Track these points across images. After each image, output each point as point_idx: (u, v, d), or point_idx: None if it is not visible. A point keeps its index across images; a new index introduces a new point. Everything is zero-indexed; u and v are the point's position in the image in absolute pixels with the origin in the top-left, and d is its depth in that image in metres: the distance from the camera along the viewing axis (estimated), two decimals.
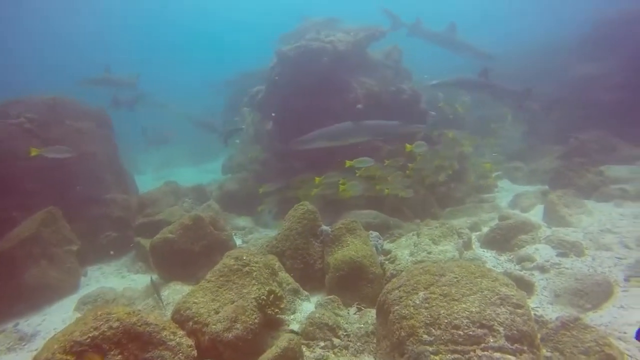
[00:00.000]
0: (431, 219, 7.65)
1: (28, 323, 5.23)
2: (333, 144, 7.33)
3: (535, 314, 4.00)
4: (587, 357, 3.30)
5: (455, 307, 3.36)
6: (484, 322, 3.24)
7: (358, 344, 3.97)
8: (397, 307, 3.62)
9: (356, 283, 4.87)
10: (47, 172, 7.04)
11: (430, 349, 3.19)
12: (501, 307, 3.36)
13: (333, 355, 3.82)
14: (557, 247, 5.75)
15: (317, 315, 4.21)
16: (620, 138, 10.05)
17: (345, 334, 4.11)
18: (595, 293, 4.48)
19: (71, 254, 6.42)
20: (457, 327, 3.23)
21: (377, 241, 5.91)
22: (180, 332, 3.45)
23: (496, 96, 10.18)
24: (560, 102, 12.10)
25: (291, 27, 13.34)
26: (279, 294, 4.17)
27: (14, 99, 7.86)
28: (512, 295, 3.48)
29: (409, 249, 5.60)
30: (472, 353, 3.11)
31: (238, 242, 7.39)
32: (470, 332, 3.19)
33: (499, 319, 3.25)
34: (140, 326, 3.14)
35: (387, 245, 6.05)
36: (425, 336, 3.25)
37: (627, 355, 3.35)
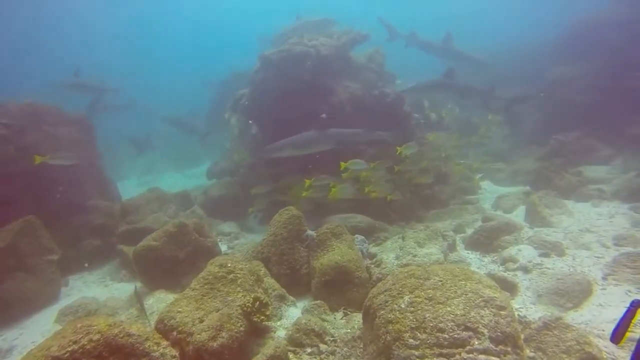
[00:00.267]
0: (416, 221, 7.71)
1: (3, 338, 5.05)
2: (299, 152, 7.47)
3: (518, 315, 4.07)
4: (569, 356, 3.37)
5: (440, 311, 3.39)
6: (468, 324, 3.27)
7: (345, 349, 3.97)
8: (383, 312, 3.63)
9: (342, 287, 4.87)
10: (22, 179, 6.85)
11: (417, 352, 3.20)
12: (485, 309, 3.40)
13: None
14: (539, 247, 5.86)
15: (303, 321, 4.19)
16: (597, 139, 10.31)
17: (332, 339, 4.10)
18: (576, 292, 4.58)
19: (51, 263, 6.25)
20: (442, 331, 3.26)
21: (363, 245, 5.93)
22: (164, 343, 3.38)
23: (463, 95, 10.36)
24: (538, 103, 12.37)
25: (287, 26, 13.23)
26: (264, 301, 4.14)
27: None
28: (496, 297, 3.52)
29: (394, 252, 5.63)
30: (457, 356, 3.14)
31: (224, 248, 7.31)
32: (456, 335, 3.22)
33: (483, 321, 3.29)
34: (122, 337, 3.07)
35: (373, 249, 6.07)
36: (411, 340, 3.27)
37: (605, 352, 3.42)
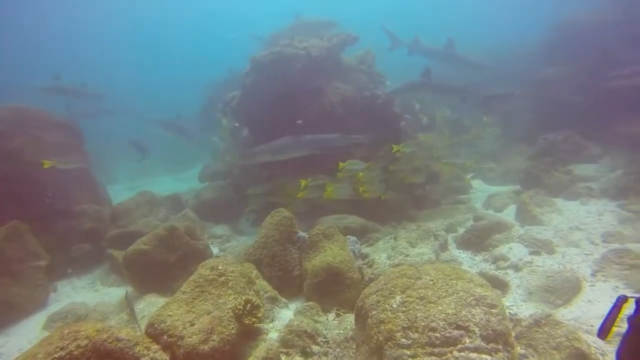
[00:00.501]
0: (408, 221, 7.73)
1: None
2: (275, 158, 7.55)
3: (509, 313, 4.09)
4: (558, 352, 3.40)
5: (431, 310, 3.40)
6: (460, 323, 3.28)
7: (337, 350, 3.95)
8: (374, 312, 3.62)
9: (334, 288, 4.86)
10: (7, 183, 6.74)
11: (408, 352, 3.20)
12: (476, 307, 3.41)
13: None
14: (529, 245, 5.91)
15: (295, 322, 4.17)
16: (585, 138, 10.45)
17: (324, 340, 4.09)
18: (565, 289, 4.63)
19: (39, 269, 6.15)
20: (434, 330, 3.26)
21: (355, 246, 5.93)
22: (155, 347, 3.34)
23: (443, 94, 10.44)
24: (528, 104, 12.51)
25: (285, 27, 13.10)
26: (256, 303, 4.12)
27: None
28: (487, 295, 3.54)
29: (386, 253, 5.64)
30: (449, 354, 3.14)
31: (215, 250, 7.26)
32: (447, 334, 3.23)
33: (474, 320, 3.30)
34: (111, 343, 3.03)
35: (365, 249, 6.08)
36: (403, 340, 3.27)
37: (594, 347, 3.46)
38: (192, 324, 3.67)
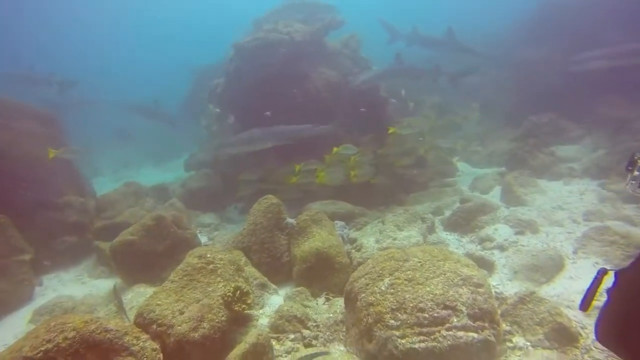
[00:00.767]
0: (396, 205, 7.79)
1: None
2: (246, 149, 7.71)
3: (495, 291, 4.19)
4: (542, 327, 3.50)
5: (420, 291, 3.46)
6: (447, 303, 3.35)
7: (327, 333, 4.00)
8: (363, 295, 3.67)
9: (323, 273, 4.89)
10: None
11: (397, 333, 3.26)
12: (463, 287, 3.48)
13: (303, 347, 3.83)
14: (514, 226, 6.02)
15: (285, 308, 4.20)
16: (567, 119, 10.61)
17: (314, 324, 4.13)
18: (549, 267, 4.74)
19: (23, 263, 6.03)
20: (422, 310, 3.33)
21: (343, 230, 5.97)
22: (144, 336, 3.33)
23: (415, 77, 10.45)
24: (510, 85, 12.62)
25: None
26: (245, 290, 4.12)
27: None
28: (473, 275, 3.61)
29: (374, 237, 5.69)
30: (437, 334, 3.22)
31: (203, 239, 7.22)
32: (435, 314, 3.30)
33: (461, 299, 3.38)
34: (99, 334, 3.00)
35: (353, 234, 6.12)
36: (392, 321, 3.33)
37: (575, 321, 3.57)
38: (182, 313, 3.66)
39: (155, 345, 3.32)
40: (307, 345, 3.85)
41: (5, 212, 6.16)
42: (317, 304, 4.61)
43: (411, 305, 3.38)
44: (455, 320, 3.28)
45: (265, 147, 7.42)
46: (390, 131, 7.34)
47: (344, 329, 4.01)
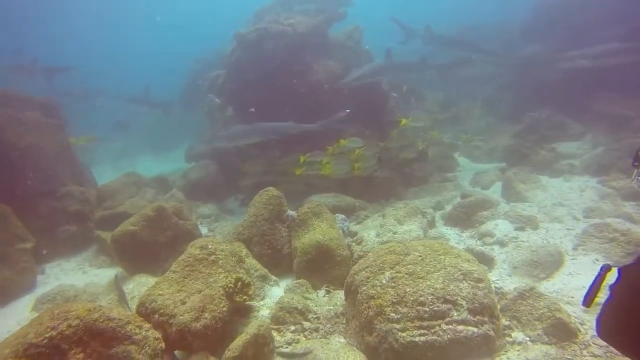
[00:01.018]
0: (396, 199, 7.80)
1: None
2: (235, 144, 8.04)
3: (495, 287, 4.21)
4: (541, 323, 3.53)
5: (420, 285, 3.48)
6: (447, 297, 3.38)
7: (328, 325, 4.03)
8: (364, 288, 3.70)
9: (324, 266, 4.92)
10: None
11: (398, 326, 3.29)
12: (463, 282, 3.51)
13: (304, 339, 3.86)
14: (514, 221, 6.04)
15: (286, 299, 4.23)
16: (567, 116, 10.62)
17: (315, 316, 4.16)
18: (549, 263, 4.77)
19: (25, 252, 6.07)
20: (422, 304, 3.35)
21: (344, 223, 5.98)
22: (146, 325, 3.35)
23: (404, 71, 10.40)
24: (513, 82, 12.60)
25: None
26: (246, 281, 4.15)
27: None
28: (474, 270, 3.64)
29: (375, 230, 5.71)
30: (437, 327, 3.25)
31: (204, 230, 7.25)
32: (435, 308, 3.32)
33: (461, 294, 3.40)
34: (102, 322, 3.02)
35: (354, 227, 6.14)
36: (392, 314, 3.35)
37: (574, 317, 3.60)
38: (184, 303, 3.69)
39: (158, 335, 3.34)
40: (308, 337, 3.89)
41: (9, 201, 6.17)
42: (317, 296, 4.63)
43: (412, 298, 3.41)
44: (455, 314, 3.31)
45: (253, 142, 7.59)
46: (402, 123, 7.40)
47: (344, 322, 4.04)
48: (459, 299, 3.37)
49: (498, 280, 4.72)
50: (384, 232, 5.56)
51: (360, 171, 6.78)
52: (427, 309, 3.33)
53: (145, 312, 3.65)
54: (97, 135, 7.79)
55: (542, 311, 3.59)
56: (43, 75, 14.98)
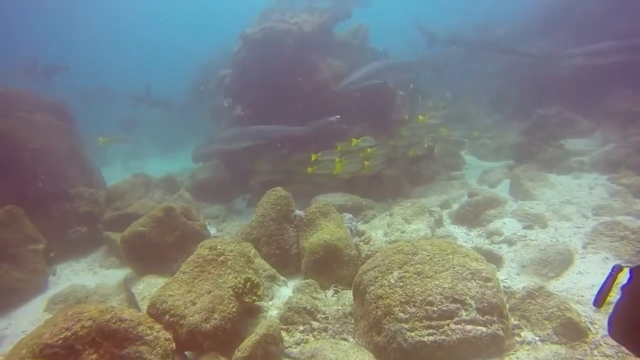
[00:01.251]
0: (403, 198, 7.80)
1: None
2: (228, 147, 8.45)
3: (503, 286, 4.20)
4: (550, 322, 3.52)
5: (428, 284, 3.48)
6: (456, 296, 3.38)
7: (336, 325, 4.05)
8: (372, 288, 3.71)
9: (332, 266, 4.93)
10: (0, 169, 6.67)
11: (406, 326, 3.30)
12: (472, 281, 3.51)
13: (312, 338, 3.88)
14: (522, 220, 6.01)
15: (294, 300, 4.25)
16: (576, 112, 10.51)
17: (323, 316, 4.18)
18: (558, 262, 4.74)
19: (36, 253, 6.16)
20: (431, 304, 3.36)
21: (351, 223, 5.99)
22: (157, 326, 3.40)
23: (399, 72, 10.33)
24: (521, 79, 12.49)
25: None
26: (255, 282, 4.18)
27: None
28: (482, 269, 3.63)
29: (382, 229, 5.71)
30: (446, 327, 3.25)
31: (212, 231, 7.29)
32: (444, 307, 3.33)
33: (470, 293, 3.40)
34: (114, 323, 3.07)
35: (361, 227, 6.14)
36: (400, 314, 3.36)
37: (584, 317, 3.58)
38: (194, 304, 3.73)
39: (169, 335, 3.39)
40: (317, 337, 3.91)
41: (20, 202, 6.27)
42: (325, 296, 4.65)
43: (420, 298, 3.41)
44: (464, 313, 3.31)
45: (244, 145, 7.89)
46: (419, 119, 7.55)
47: (353, 321, 4.05)
48: (468, 298, 3.37)
49: (507, 279, 4.70)
50: (391, 232, 5.56)
51: (369, 170, 6.80)
52: (435, 308, 3.34)
53: (156, 313, 3.70)
54: (124, 136, 7.97)
55: (551, 310, 3.57)
56: (43, 74, 15.09)
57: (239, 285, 3.99)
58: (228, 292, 3.87)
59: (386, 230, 5.67)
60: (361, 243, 5.54)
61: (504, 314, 3.43)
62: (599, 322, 3.55)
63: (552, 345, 3.36)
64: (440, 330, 3.24)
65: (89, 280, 6.22)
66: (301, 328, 4.03)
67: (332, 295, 4.66)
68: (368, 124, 8.23)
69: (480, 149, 10.92)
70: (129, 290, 5.10)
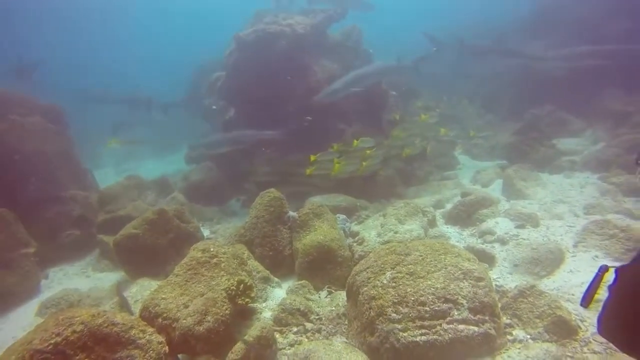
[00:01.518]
0: (396, 198, 7.82)
1: None
2: (212, 151, 8.98)
3: (496, 285, 4.23)
4: (541, 320, 3.55)
5: (421, 285, 3.50)
6: (448, 296, 3.40)
7: (330, 326, 4.06)
8: (365, 288, 3.72)
9: (325, 267, 4.94)
10: None
11: (399, 326, 3.32)
12: (464, 281, 3.53)
13: (306, 340, 3.89)
14: (515, 219, 6.05)
15: (288, 301, 4.26)
16: (568, 112, 10.61)
17: (317, 317, 4.19)
18: (549, 260, 4.78)
19: (27, 257, 6.11)
20: (423, 304, 3.38)
21: (345, 224, 6.00)
22: (150, 330, 3.39)
23: (389, 75, 10.29)
24: (513, 79, 12.58)
25: None
26: (248, 283, 4.17)
27: None
28: (474, 269, 3.66)
29: (376, 230, 5.73)
30: (438, 327, 3.27)
31: (206, 233, 7.28)
32: (436, 308, 3.35)
33: (462, 293, 3.42)
34: (106, 327, 3.06)
35: (355, 227, 6.15)
36: (393, 314, 3.38)
37: (574, 314, 3.62)
38: (186, 306, 3.72)
39: (161, 339, 3.38)
40: (310, 338, 3.91)
41: (13, 206, 6.22)
42: (319, 297, 4.66)
43: (412, 298, 3.43)
44: (456, 313, 3.33)
45: (228, 149, 8.30)
46: (422, 118, 7.69)
47: (346, 322, 4.06)
48: (460, 298, 3.39)
49: (499, 278, 4.73)
50: (385, 232, 5.58)
51: (367, 170, 6.83)
52: (428, 308, 3.35)
53: (149, 316, 3.69)
54: (132, 139, 8.06)
55: (542, 309, 3.60)
56: (18, 74, 14.75)
57: (232, 288, 3.99)
58: (221, 294, 3.87)
59: (379, 230, 5.68)
60: (355, 244, 5.55)
61: (496, 313, 3.46)
62: (588, 319, 3.59)
63: (543, 344, 3.38)
64: (433, 330, 3.26)
65: (82, 283, 6.18)
66: (295, 329, 4.03)
67: (326, 296, 4.67)
68: (361, 124, 8.25)
69: (474, 148, 10.99)
70: (121, 295, 5.07)
